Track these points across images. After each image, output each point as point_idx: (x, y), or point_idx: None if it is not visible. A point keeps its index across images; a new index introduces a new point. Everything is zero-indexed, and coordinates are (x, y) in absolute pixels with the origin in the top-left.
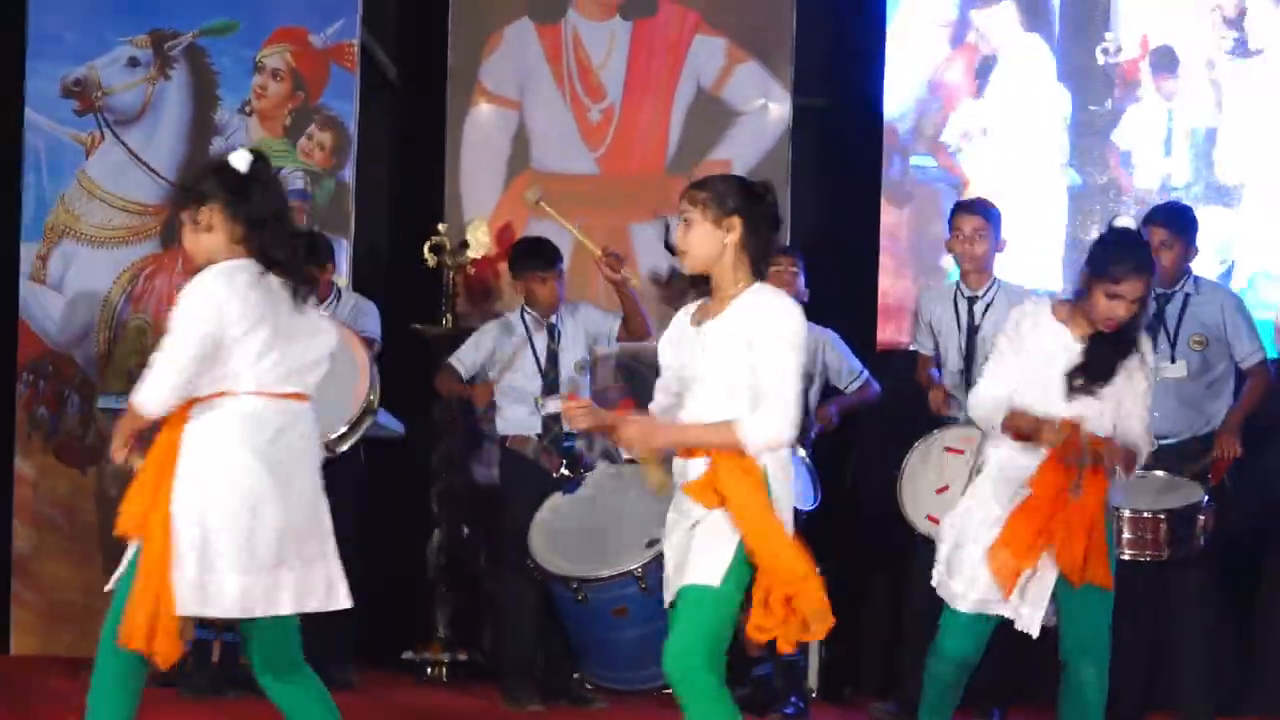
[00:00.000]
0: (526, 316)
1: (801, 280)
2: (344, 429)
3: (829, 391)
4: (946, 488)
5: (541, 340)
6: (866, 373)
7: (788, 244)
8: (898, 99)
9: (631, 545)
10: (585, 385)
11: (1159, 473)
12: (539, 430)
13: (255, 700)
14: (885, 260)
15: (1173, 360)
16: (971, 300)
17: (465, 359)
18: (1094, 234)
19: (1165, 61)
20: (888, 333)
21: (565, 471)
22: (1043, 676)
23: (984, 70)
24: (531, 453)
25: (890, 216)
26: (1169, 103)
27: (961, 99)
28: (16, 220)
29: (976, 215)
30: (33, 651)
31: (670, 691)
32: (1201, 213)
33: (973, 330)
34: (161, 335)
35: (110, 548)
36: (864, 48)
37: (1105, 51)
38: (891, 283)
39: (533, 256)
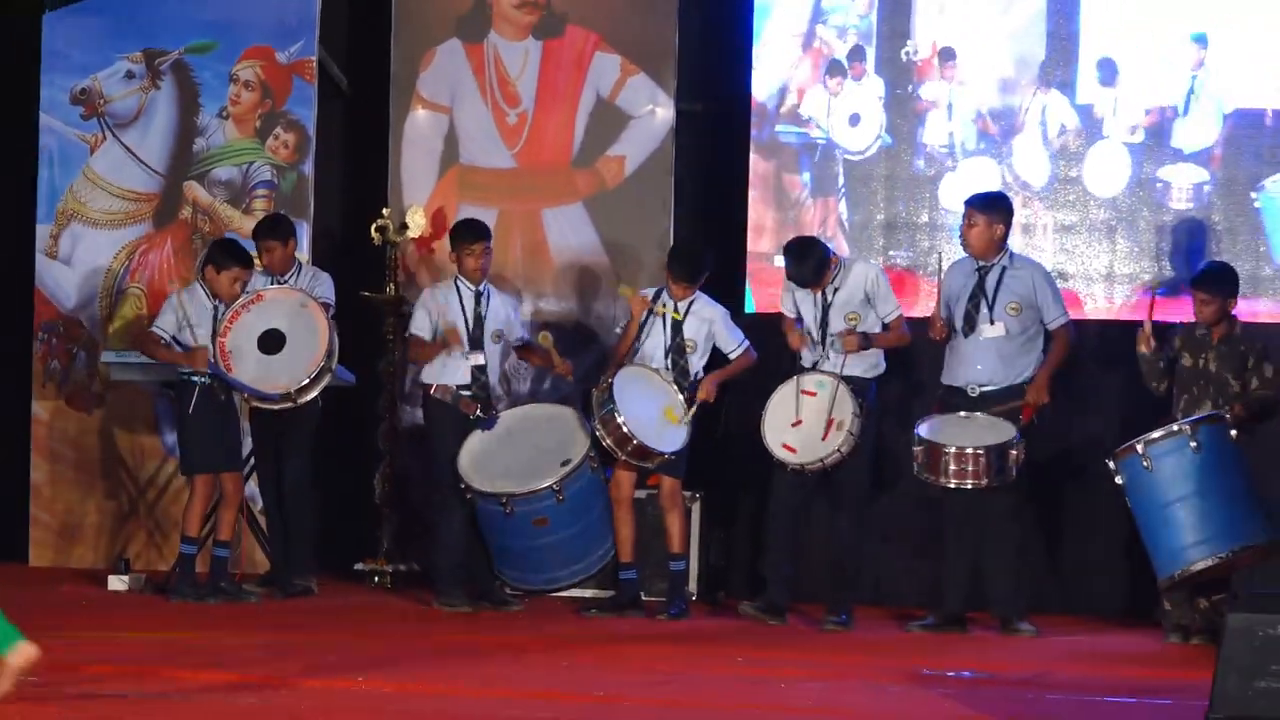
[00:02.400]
0: (459, 283)
1: None
2: (305, 381)
3: (716, 359)
4: (800, 421)
5: (470, 305)
6: (747, 342)
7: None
8: (767, 86)
9: (548, 466)
10: (498, 353)
11: (979, 415)
12: (465, 380)
13: (234, 605)
14: (753, 213)
15: (992, 323)
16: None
17: (422, 326)
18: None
19: (947, 57)
20: (758, 299)
21: (480, 413)
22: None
23: (827, 66)
24: (451, 398)
25: (761, 167)
26: (950, 85)
27: (811, 86)
28: (33, 206)
29: (810, 282)
30: (46, 563)
31: (575, 593)
32: (973, 162)
33: (826, 306)
34: (153, 304)
35: (104, 477)
36: (733, 63)
37: (908, 52)
38: (754, 245)
39: (466, 231)
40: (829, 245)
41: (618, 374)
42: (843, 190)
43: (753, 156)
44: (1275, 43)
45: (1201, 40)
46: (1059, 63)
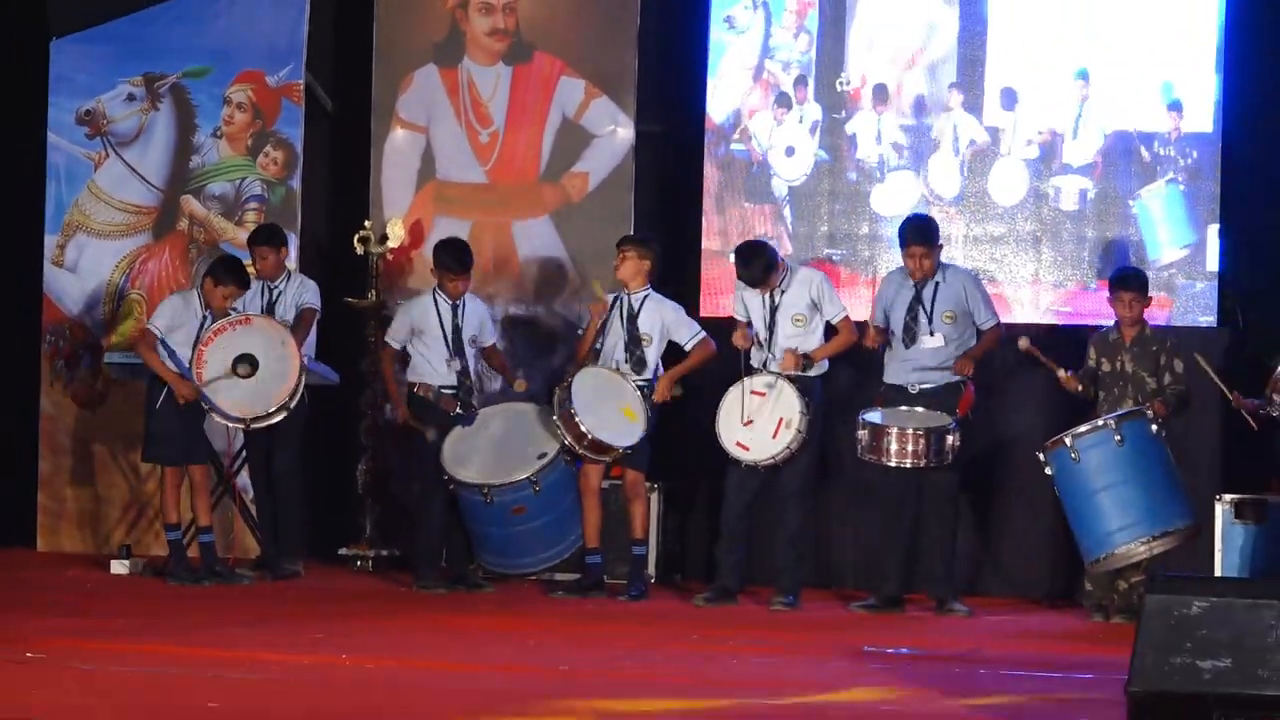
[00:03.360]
0: (438, 296)
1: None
2: (261, 413)
3: (672, 351)
4: (751, 421)
5: (448, 315)
6: (704, 333)
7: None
8: (723, 110)
9: (525, 459)
10: (473, 356)
11: (919, 409)
12: (449, 382)
13: (227, 587)
14: (706, 215)
15: (932, 334)
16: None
17: (398, 333)
18: (852, 224)
19: (879, 92)
20: (709, 306)
21: (459, 410)
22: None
23: (776, 97)
24: (433, 396)
25: (715, 178)
26: (879, 113)
27: (760, 110)
28: (41, 218)
29: (761, 284)
30: (51, 549)
31: (543, 576)
32: (896, 175)
33: (774, 309)
34: (153, 309)
35: (107, 469)
36: (688, 87)
37: (842, 83)
38: (709, 231)
39: (453, 261)
40: (776, 249)
41: (577, 374)
42: (787, 199)
43: (707, 168)
44: (1146, 74)
45: (1084, 75)
46: (968, 89)
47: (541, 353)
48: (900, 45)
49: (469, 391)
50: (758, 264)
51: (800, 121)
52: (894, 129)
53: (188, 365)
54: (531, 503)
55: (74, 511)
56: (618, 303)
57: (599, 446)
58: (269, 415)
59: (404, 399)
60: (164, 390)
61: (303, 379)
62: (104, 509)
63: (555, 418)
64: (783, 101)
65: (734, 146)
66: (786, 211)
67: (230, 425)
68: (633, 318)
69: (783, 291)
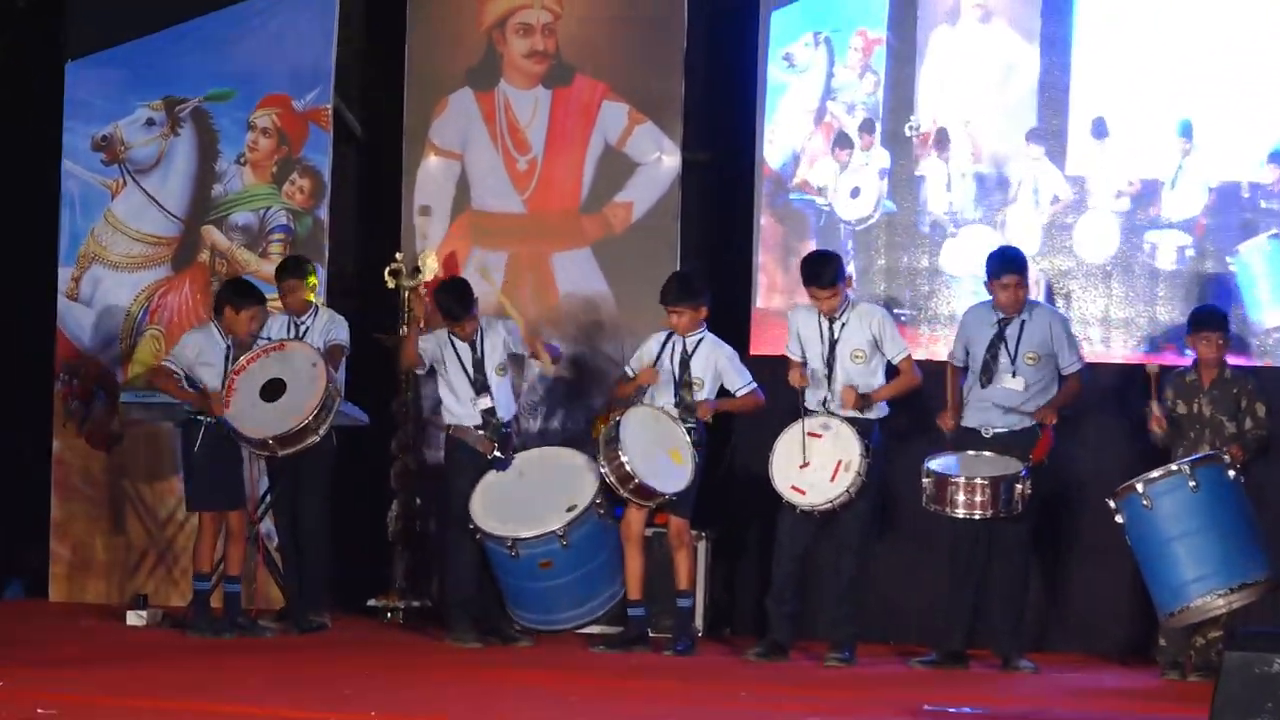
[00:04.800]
0: (452, 337)
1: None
2: (283, 433)
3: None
4: (807, 463)
5: (466, 355)
6: (755, 384)
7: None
8: (781, 155)
9: (554, 510)
10: (506, 383)
11: (988, 453)
12: (477, 422)
13: (250, 640)
14: (765, 258)
15: (1014, 375)
16: (831, 319)
17: (428, 349)
18: (898, 252)
19: (941, 137)
20: (760, 342)
21: (498, 453)
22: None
23: (836, 139)
24: (470, 439)
25: (774, 232)
26: (950, 160)
27: (821, 157)
28: (55, 248)
29: (829, 286)
30: (65, 599)
31: (584, 630)
32: (971, 229)
33: (833, 343)
34: (172, 345)
35: (124, 514)
36: (739, 113)
37: (911, 128)
38: (765, 303)
39: (456, 304)
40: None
41: (626, 413)
42: (850, 253)
43: (765, 219)
44: (1254, 121)
45: (1185, 124)
46: (1051, 135)
47: (581, 393)
48: (975, 87)
49: (496, 430)
50: (828, 269)
51: (866, 165)
52: (967, 178)
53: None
54: (559, 558)
55: (88, 560)
56: (669, 342)
57: (645, 491)
58: (294, 437)
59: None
60: (200, 432)
61: (332, 401)
62: (120, 557)
63: (600, 457)
64: (843, 142)
65: (793, 197)
66: (851, 267)
67: (256, 451)
68: (685, 361)
69: (842, 325)
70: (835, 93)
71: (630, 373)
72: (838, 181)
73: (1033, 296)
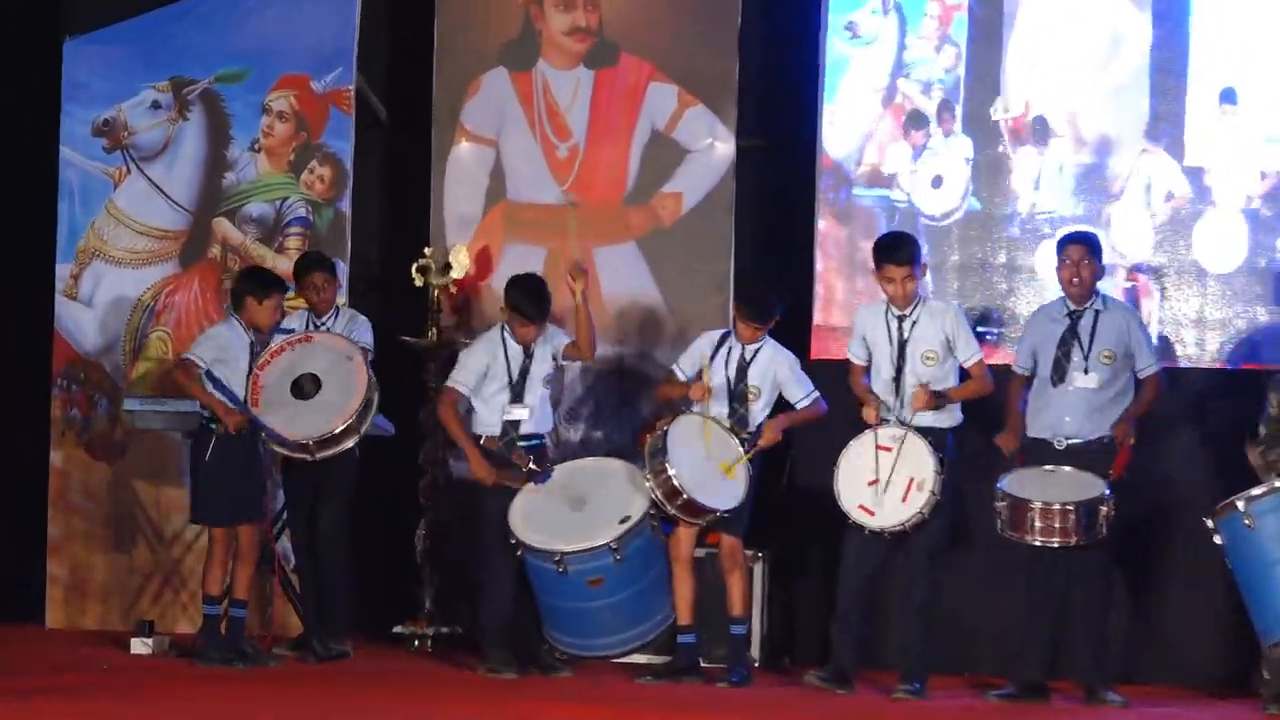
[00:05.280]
0: (507, 335)
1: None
2: (327, 434)
3: (782, 406)
4: (877, 480)
5: (517, 359)
6: (817, 393)
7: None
8: (842, 143)
9: (605, 522)
10: (547, 398)
11: (1067, 469)
12: (494, 432)
13: (261, 669)
14: (824, 266)
15: (1086, 372)
16: (901, 318)
17: (464, 376)
18: (987, 252)
19: (1039, 126)
20: (823, 346)
21: (534, 465)
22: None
23: (910, 120)
24: (503, 448)
25: (837, 233)
26: (1045, 151)
27: (892, 143)
28: (52, 243)
29: (905, 265)
30: (63, 625)
31: (630, 659)
32: (1069, 231)
33: (902, 344)
34: (180, 347)
35: (128, 532)
36: (799, 94)
37: (998, 111)
38: (830, 285)
39: (529, 305)
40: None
41: (674, 422)
42: (925, 259)
43: (824, 220)
44: None
45: None
46: (1166, 120)
47: (627, 402)
48: (1074, 63)
49: (511, 445)
50: (905, 245)
51: (947, 150)
52: (1066, 171)
53: (242, 398)
54: (611, 573)
55: (88, 582)
56: (725, 345)
57: (694, 508)
58: (335, 438)
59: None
60: (213, 440)
61: (374, 397)
62: (123, 579)
63: (645, 470)
64: (918, 122)
65: (857, 192)
66: (928, 277)
67: (290, 455)
68: (742, 369)
69: (913, 323)
70: (907, 68)
71: (679, 373)
72: (915, 168)
73: (1146, 303)
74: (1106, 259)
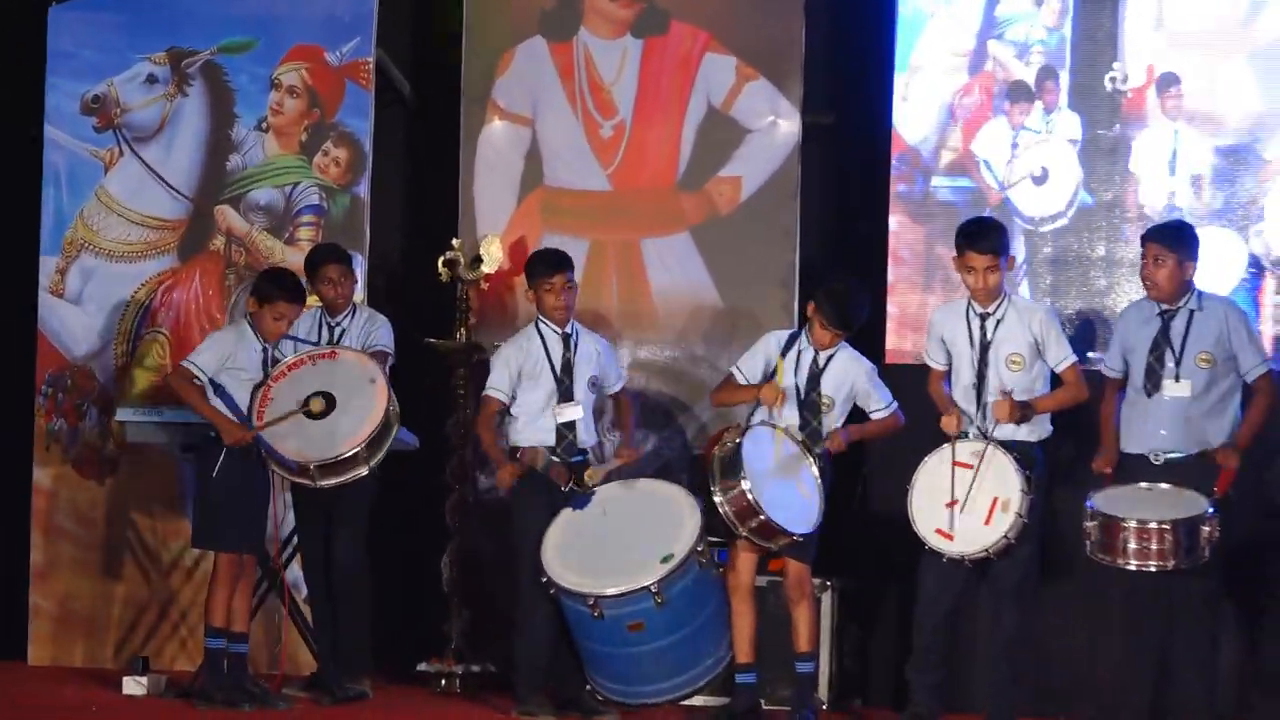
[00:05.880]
0: (542, 327)
1: None
2: (328, 460)
3: (856, 416)
4: (955, 501)
5: (557, 349)
6: (895, 404)
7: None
8: (918, 122)
9: (646, 560)
10: (590, 403)
11: (1164, 485)
12: (550, 441)
13: (270, 711)
14: (896, 275)
15: (1178, 379)
16: (984, 317)
17: (499, 383)
18: (1100, 251)
19: (1168, 84)
20: (898, 346)
21: (573, 486)
22: None
23: (1006, 91)
24: (542, 466)
25: (912, 234)
26: (1173, 124)
27: (984, 121)
28: (36, 234)
29: (988, 254)
30: (47, 662)
31: (682, 702)
32: (1206, 232)
33: (985, 345)
34: (179, 351)
35: (120, 559)
36: (873, 65)
37: (1114, 79)
38: (903, 298)
39: (540, 263)
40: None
41: (748, 432)
42: (1023, 269)
43: (896, 218)
44: None
45: None
46: None
47: (677, 411)
48: (1207, 19)
49: (573, 450)
50: (992, 232)
51: (1048, 134)
52: (1201, 154)
53: (246, 412)
54: (652, 618)
55: (76, 614)
56: (794, 348)
57: (769, 530)
58: (340, 465)
59: (507, 458)
60: (221, 454)
61: (390, 427)
62: (115, 610)
63: (714, 485)
64: (1017, 95)
65: (936, 182)
66: (1024, 286)
67: (290, 477)
68: (815, 376)
69: (997, 322)
70: (1000, 27)
71: (740, 376)
72: (1012, 156)
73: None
74: (1254, 272)
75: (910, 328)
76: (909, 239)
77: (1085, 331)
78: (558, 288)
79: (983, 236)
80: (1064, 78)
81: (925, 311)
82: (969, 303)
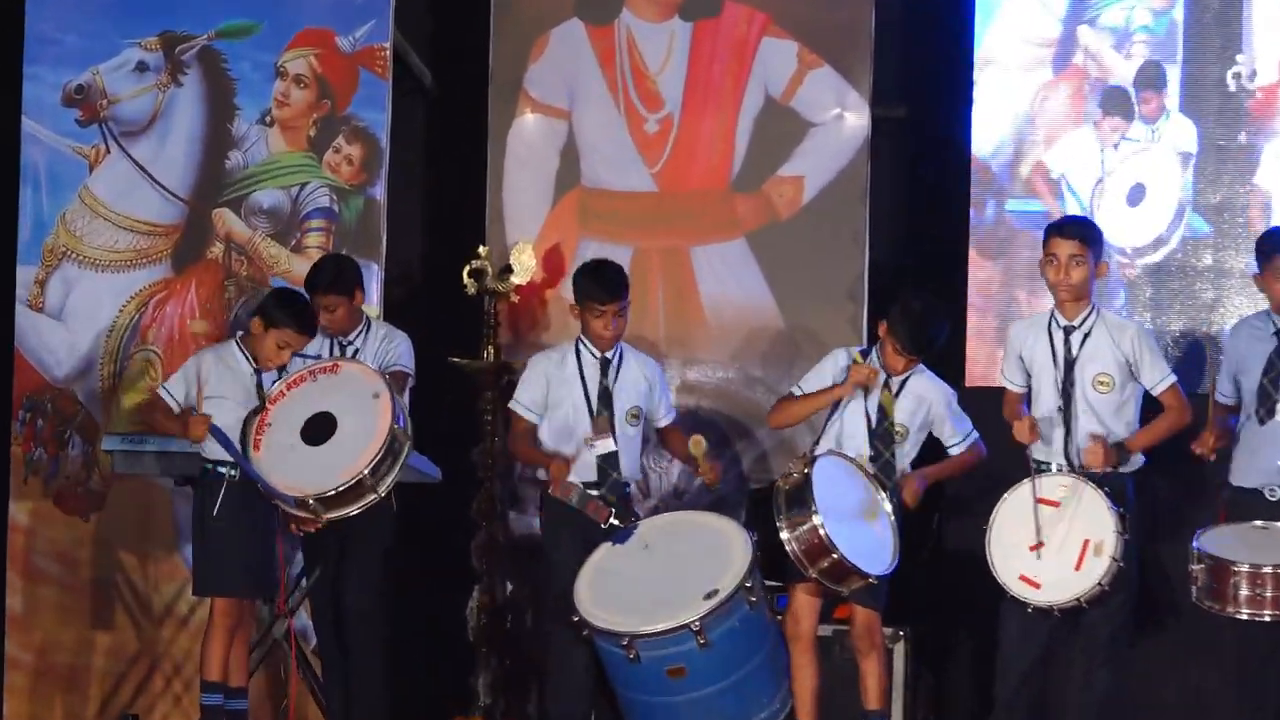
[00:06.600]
0: (581, 345)
1: None
2: (329, 492)
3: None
4: (1042, 544)
5: (594, 376)
6: (976, 434)
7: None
8: (990, 132)
9: (688, 597)
10: (636, 438)
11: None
12: (589, 476)
13: None
14: (973, 369)
15: None
16: (1068, 331)
17: (527, 400)
18: (1207, 260)
19: None
20: (976, 370)
21: (615, 521)
22: None
23: (1098, 98)
24: (577, 500)
25: (983, 271)
26: None
27: (1069, 130)
28: (12, 241)
29: (1074, 240)
30: (25, 719)
31: None
32: None
33: (1070, 364)
34: (171, 369)
35: (104, 603)
36: (951, 51)
37: (1238, 75)
38: (980, 316)
39: (596, 287)
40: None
41: (817, 461)
42: (1122, 311)
43: (971, 253)
44: None
45: None
46: None
47: (731, 438)
48: None
49: (618, 488)
50: (1078, 225)
51: (1152, 145)
52: None
53: (238, 444)
54: (695, 662)
55: (57, 666)
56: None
57: (842, 572)
58: (343, 496)
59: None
60: (223, 489)
61: (399, 447)
62: (100, 662)
63: (781, 522)
64: (1111, 104)
65: (1010, 207)
66: (1120, 302)
67: (290, 513)
68: (885, 404)
69: (1084, 337)
70: (1093, 9)
71: (800, 395)
72: (1102, 174)
73: None
74: None
75: (990, 345)
76: (979, 277)
77: (1192, 353)
78: (610, 315)
79: (1070, 223)
80: (1173, 74)
81: (1007, 316)
82: (1052, 314)
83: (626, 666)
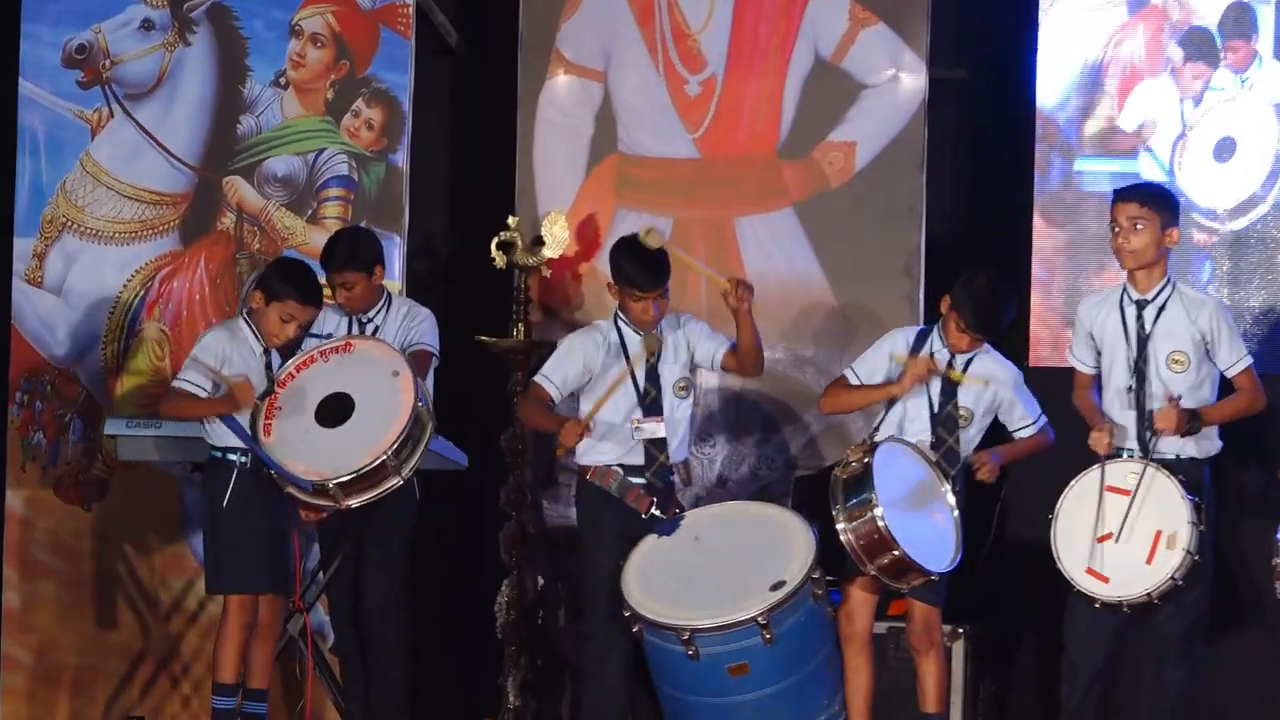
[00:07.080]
0: (621, 325)
1: None
2: (347, 477)
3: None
4: (1109, 534)
5: (639, 352)
6: (1045, 419)
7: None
8: (1056, 82)
9: (751, 588)
10: (687, 412)
11: None
12: (638, 460)
13: None
14: (1036, 349)
15: None
16: (1140, 305)
17: (554, 375)
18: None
19: None
20: (1041, 349)
21: (656, 511)
22: None
23: (1178, 42)
24: (616, 488)
25: (1048, 240)
26: None
27: (1145, 78)
28: (9, 212)
29: (1133, 202)
30: None
31: None
32: None
33: (1142, 340)
34: (182, 349)
35: (107, 599)
36: (1016, 6)
37: None
38: (1043, 292)
39: (640, 273)
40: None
41: (878, 449)
42: (1205, 254)
43: (1036, 222)
44: None
45: None
46: None
47: (779, 422)
48: None
49: (661, 474)
50: (1145, 189)
51: (1238, 96)
52: None
53: (249, 428)
54: (759, 658)
55: (59, 666)
56: (923, 350)
57: (902, 568)
58: (364, 480)
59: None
60: (232, 477)
61: (422, 427)
62: (102, 661)
63: (837, 511)
64: (1194, 50)
65: (1078, 167)
66: (1207, 271)
67: (307, 501)
68: (951, 385)
69: (1158, 311)
70: None
71: (854, 379)
72: (1183, 128)
73: None
74: None
75: (1056, 321)
76: (1043, 247)
77: (1274, 331)
78: (650, 300)
79: (1132, 187)
80: (1266, 15)
81: (1077, 292)
82: (1124, 289)
83: (683, 665)
